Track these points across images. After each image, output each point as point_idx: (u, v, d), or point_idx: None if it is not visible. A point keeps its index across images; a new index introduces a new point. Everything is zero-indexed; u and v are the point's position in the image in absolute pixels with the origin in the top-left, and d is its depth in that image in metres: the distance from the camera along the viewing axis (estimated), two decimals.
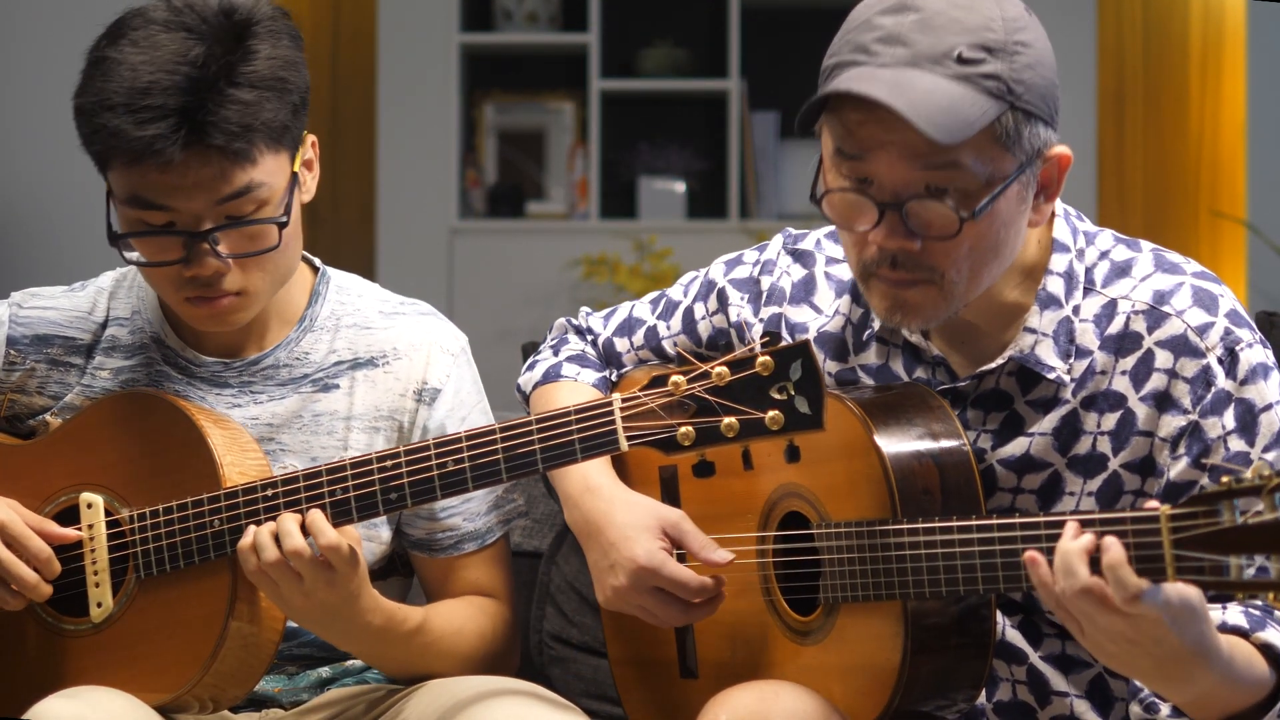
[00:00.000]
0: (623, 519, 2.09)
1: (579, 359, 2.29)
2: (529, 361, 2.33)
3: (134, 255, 2.10)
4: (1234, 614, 1.87)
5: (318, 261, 2.27)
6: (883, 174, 1.88)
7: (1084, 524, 1.75)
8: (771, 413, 1.84)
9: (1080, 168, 6.15)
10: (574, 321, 2.36)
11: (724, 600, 2.08)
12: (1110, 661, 1.77)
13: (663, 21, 6.27)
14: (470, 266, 6.08)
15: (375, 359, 2.21)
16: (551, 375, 2.28)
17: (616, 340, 2.30)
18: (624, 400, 1.89)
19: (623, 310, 2.33)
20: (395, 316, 2.24)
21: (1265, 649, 1.84)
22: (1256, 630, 1.85)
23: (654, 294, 2.32)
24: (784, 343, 1.85)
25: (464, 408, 2.23)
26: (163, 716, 2.08)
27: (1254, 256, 6.09)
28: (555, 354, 2.31)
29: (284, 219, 2.08)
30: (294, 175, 2.11)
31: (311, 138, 2.15)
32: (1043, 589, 1.75)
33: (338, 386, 2.21)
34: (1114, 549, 1.70)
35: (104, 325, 2.24)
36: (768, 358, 1.84)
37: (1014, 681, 2.04)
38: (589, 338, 2.33)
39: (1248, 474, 1.64)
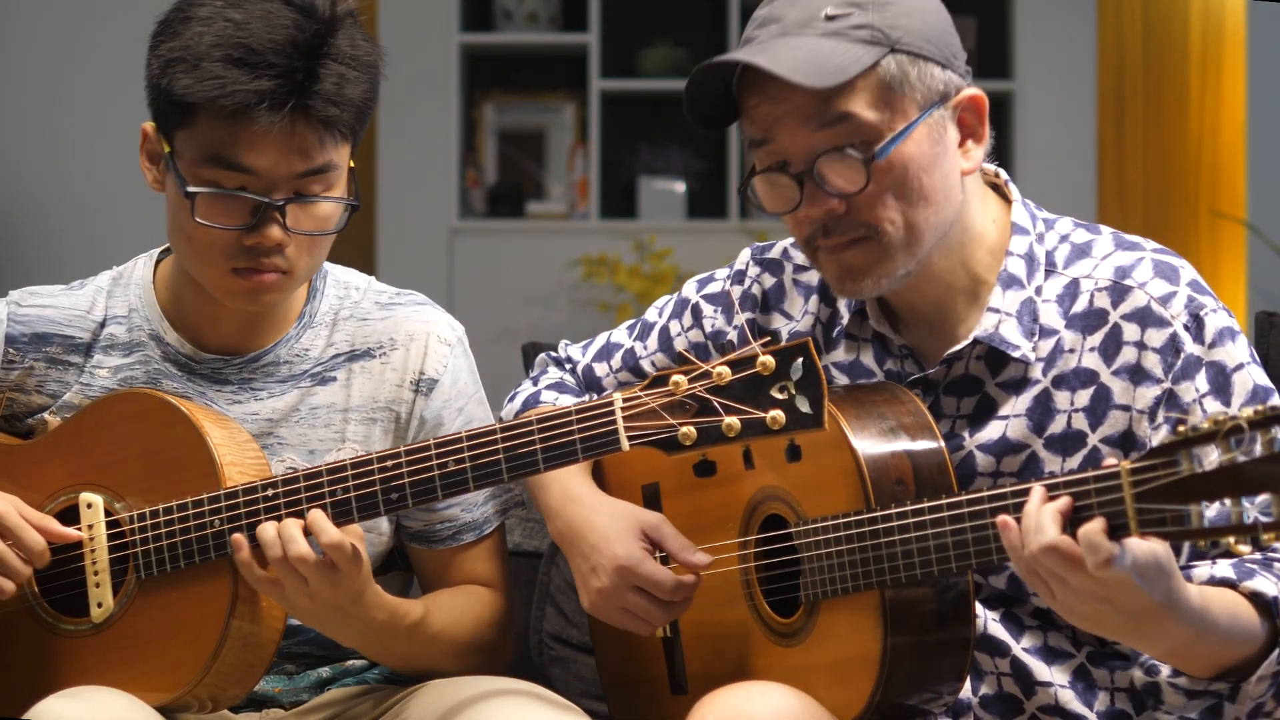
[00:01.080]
0: (603, 523, 2.12)
1: (557, 386, 2.33)
2: (510, 394, 2.37)
3: (197, 217, 2.08)
4: (1223, 567, 1.89)
5: None
6: (788, 147, 1.95)
7: (1048, 488, 1.76)
8: (773, 412, 1.84)
9: (1080, 168, 6.16)
10: (553, 354, 2.39)
11: (709, 608, 2.09)
12: (1082, 622, 1.79)
13: (663, 21, 6.27)
14: (470, 266, 6.08)
15: (372, 350, 2.22)
16: (530, 403, 2.31)
17: (595, 365, 2.33)
18: (625, 400, 1.89)
19: (600, 338, 2.36)
20: (391, 307, 2.25)
21: (1253, 597, 1.86)
22: (1244, 580, 1.87)
23: (630, 320, 2.35)
24: (785, 342, 1.86)
25: (461, 398, 2.23)
26: (163, 716, 2.08)
27: (1254, 256, 6.09)
28: (534, 384, 2.35)
29: (356, 201, 2.11)
30: (351, 170, 2.13)
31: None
32: (1013, 553, 1.77)
33: (335, 379, 2.21)
34: (1094, 520, 1.71)
35: (103, 324, 2.24)
36: (769, 357, 1.84)
37: (998, 674, 2.05)
38: (568, 367, 2.36)
39: (1204, 423, 1.65)
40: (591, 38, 6.10)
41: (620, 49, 6.21)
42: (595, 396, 2.31)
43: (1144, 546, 1.71)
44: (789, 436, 1.85)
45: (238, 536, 2.01)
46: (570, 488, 2.17)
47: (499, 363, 3.64)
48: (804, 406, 1.84)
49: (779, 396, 1.84)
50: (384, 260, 6.10)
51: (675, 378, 1.86)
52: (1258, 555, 1.90)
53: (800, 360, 1.84)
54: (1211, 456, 1.64)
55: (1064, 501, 1.74)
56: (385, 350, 2.22)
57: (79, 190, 6.04)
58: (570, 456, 1.92)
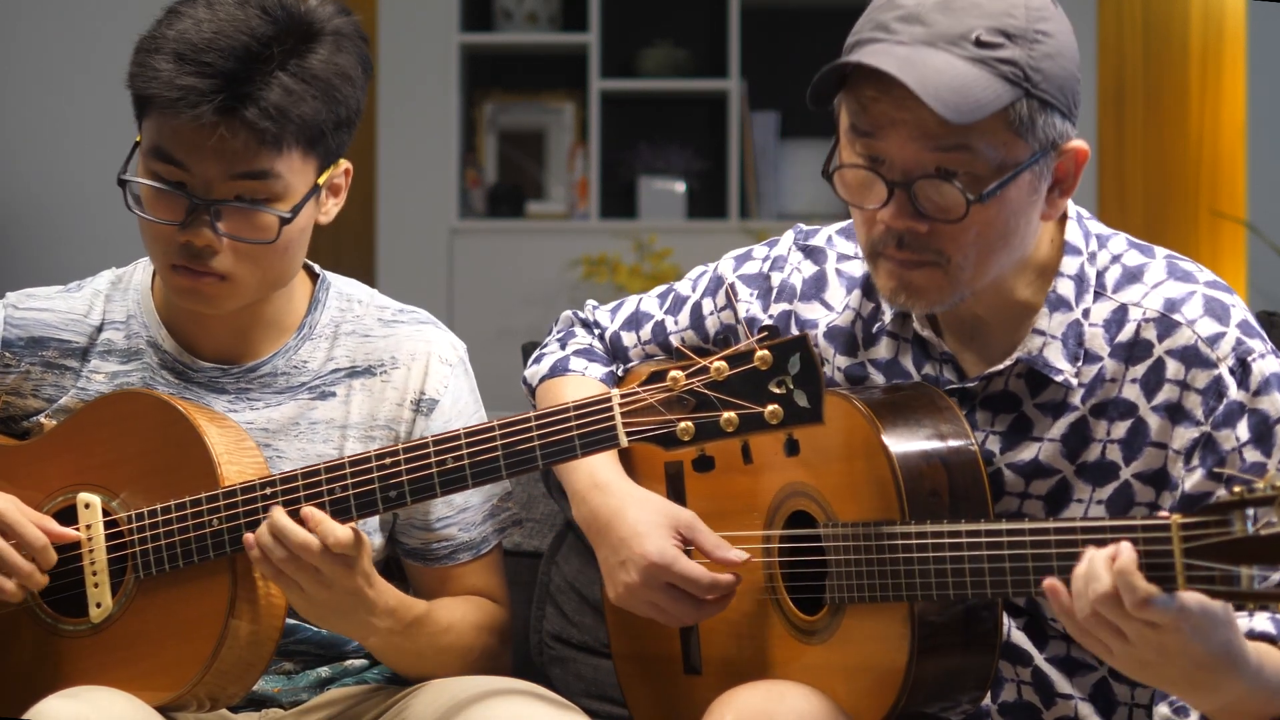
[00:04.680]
0: (634, 515, 2.07)
1: (586, 353, 2.28)
2: (535, 354, 2.32)
3: (138, 207, 2.10)
4: (1261, 620, 1.85)
5: (318, 268, 2.26)
6: (894, 153, 1.88)
7: (1094, 530, 1.74)
8: (770, 407, 1.83)
9: None
10: (580, 314, 2.34)
11: (732, 597, 2.07)
12: (1144, 672, 1.75)
13: (663, 21, 6.26)
14: (470, 266, 6.07)
15: (373, 368, 2.21)
16: (559, 369, 2.27)
17: (623, 334, 2.29)
18: (623, 396, 1.88)
19: (630, 304, 2.31)
20: (394, 325, 2.23)
21: None
22: None
23: (662, 288, 2.30)
24: (782, 337, 1.85)
25: (462, 418, 2.22)
26: (163, 716, 2.07)
27: (1254, 256, 6.08)
28: (562, 347, 2.30)
29: (288, 215, 2.09)
30: (316, 187, 2.12)
31: (346, 164, 2.16)
32: (1064, 617, 1.74)
33: (334, 394, 2.20)
34: (1125, 554, 1.69)
35: (100, 329, 2.23)
36: (766, 352, 1.84)
37: (1019, 683, 2.03)
38: (595, 331, 2.32)
39: (1260, 484, 1.63)
40: (591, 38, 6.09)
41: (620, 49, 6.20)
42: (622, 366, 2.29)
43: (1197, 596, 1.68)
44: (787, 431, 1.84)
45: (249, 535, 2.00)
46: (598, 473, 2.12)
47: (499, 363, 3.64)
48: (802, 401, 1.83)
49: (777, 391, 1.84)
50: (384, 260, 6.10)
51: (673, 373, 1.86)
52: None
53: (798, 355, 1.83)
54: (1268, 519, 1.62)
55: (1120, 550, 1.70)
56: (386, 369, 2.21)
57: (79, 190, 6.04)
58: (569, 453, 1.92)
